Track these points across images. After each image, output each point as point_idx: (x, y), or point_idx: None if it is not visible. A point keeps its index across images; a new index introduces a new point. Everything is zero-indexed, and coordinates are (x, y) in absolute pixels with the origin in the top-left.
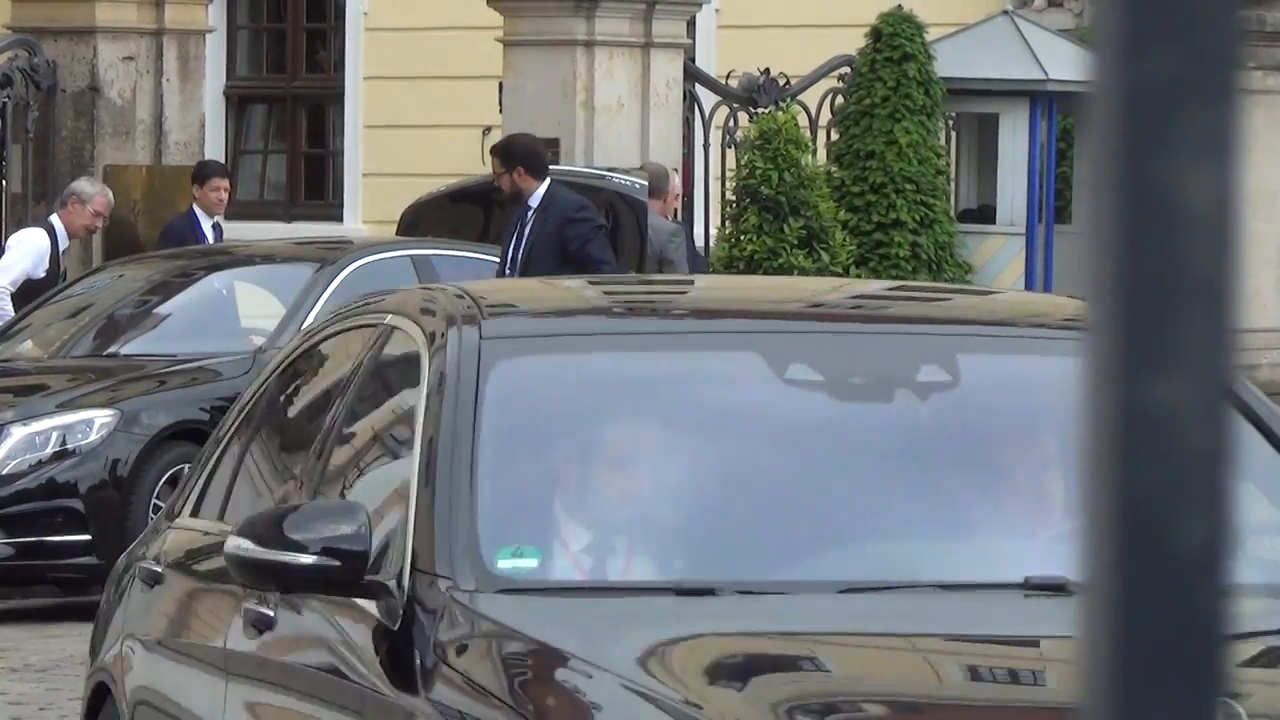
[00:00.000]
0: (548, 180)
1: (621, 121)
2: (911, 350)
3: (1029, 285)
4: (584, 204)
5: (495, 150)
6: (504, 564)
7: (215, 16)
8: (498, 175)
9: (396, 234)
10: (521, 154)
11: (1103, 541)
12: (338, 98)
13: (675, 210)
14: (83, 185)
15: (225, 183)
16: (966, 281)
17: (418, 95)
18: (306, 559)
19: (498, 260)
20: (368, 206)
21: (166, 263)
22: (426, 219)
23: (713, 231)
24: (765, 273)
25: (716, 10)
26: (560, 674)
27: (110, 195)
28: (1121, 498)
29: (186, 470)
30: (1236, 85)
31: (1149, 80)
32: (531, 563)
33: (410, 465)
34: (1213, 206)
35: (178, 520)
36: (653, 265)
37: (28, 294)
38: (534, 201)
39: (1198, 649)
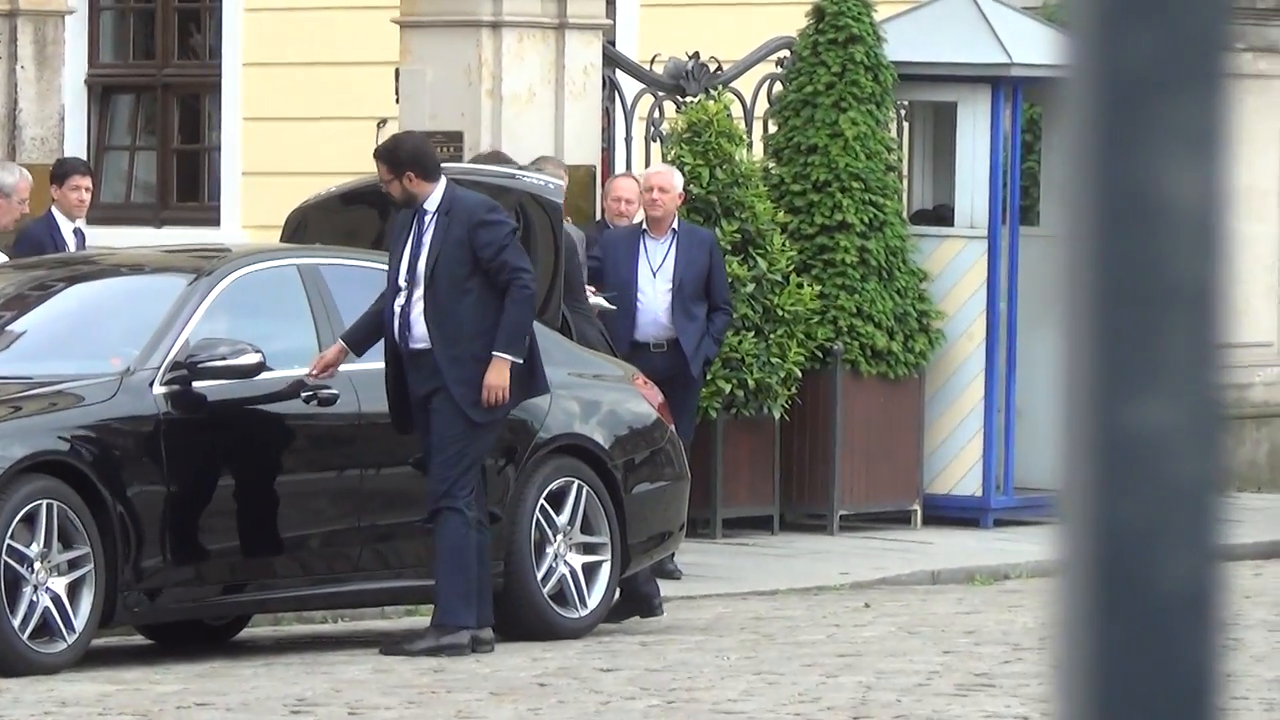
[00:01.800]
0: (443, 180)
1: (533, 112)
2: None
3: (991, 294)
4: (494, 204)
5: (380, 155)
6: None
7: None
8: (386, 182)
9: (281, 240)
10: (410, 157)
11: (1079, 580)
12: (214, 87)
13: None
14: (0, 177)
15: (87, 182)
16: (921, 290)
17: (304, 84)
18: None
19: (385, 268)
20: (248, 209)
21: (20, 273)
22: (315, 223)
23: None
24: None
25: None
26: None
27: (29, 176)
28: (1099, 531)
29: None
30: (1223, 69)
31: (1127, 64)
32: None
33: None
34: (1198, 205)
35: None
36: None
37: None
38: (430, 205)
39: (1185, 699)
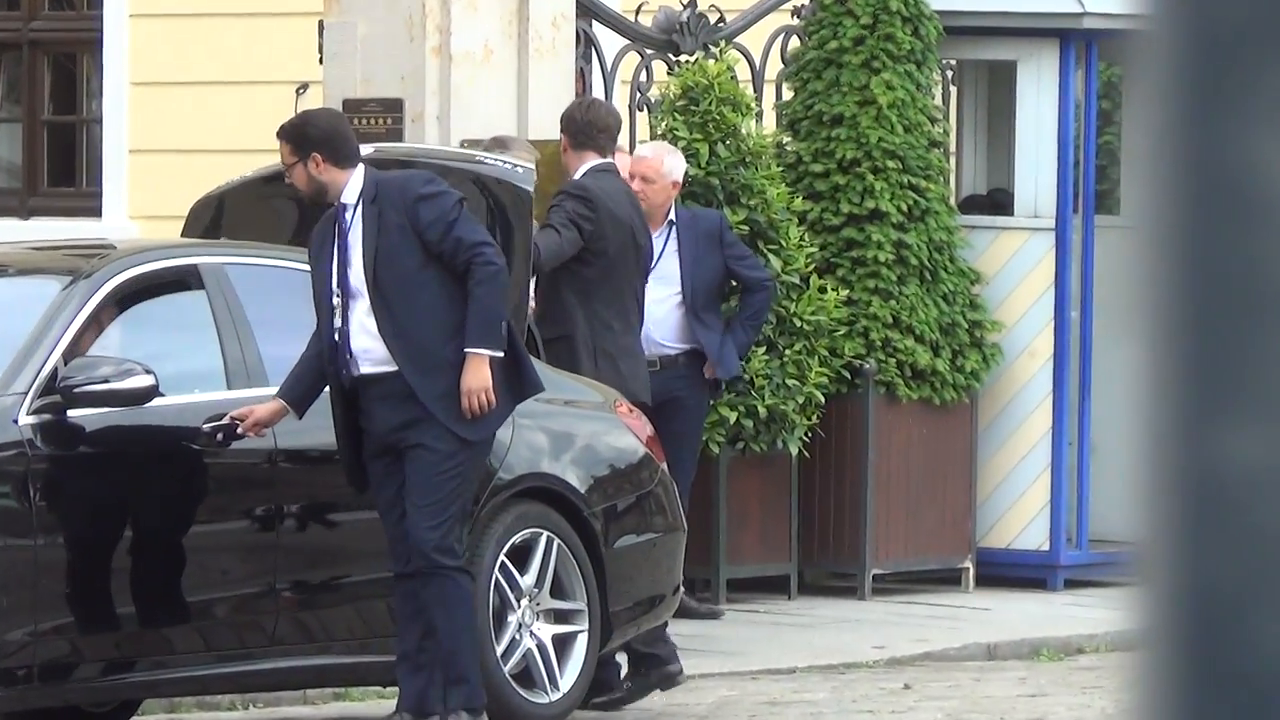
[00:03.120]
0: (360, 167)
1: (489, 75)
2: None
3: (1059, 300)
4: (429, 176)
5: (284, 131)
6: None
7: None
8: (288, 165)
9: (183, 235)
10: (321, 136)
11: (1164, 648)
12: (94, 44)
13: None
14: None
15: None
16: (972, 296)
17: (206, 40)
18: None
19: (308, 268)
20: (137, 195)
21: None
22: (232, 215)
23: None
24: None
25: None
26: None
27: None
28: (1187, 590)
29: None
30: None
31: (1221, 16)
32: None
33: None
34: None
35: None
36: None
37: None
38: (349, 197)
39: None
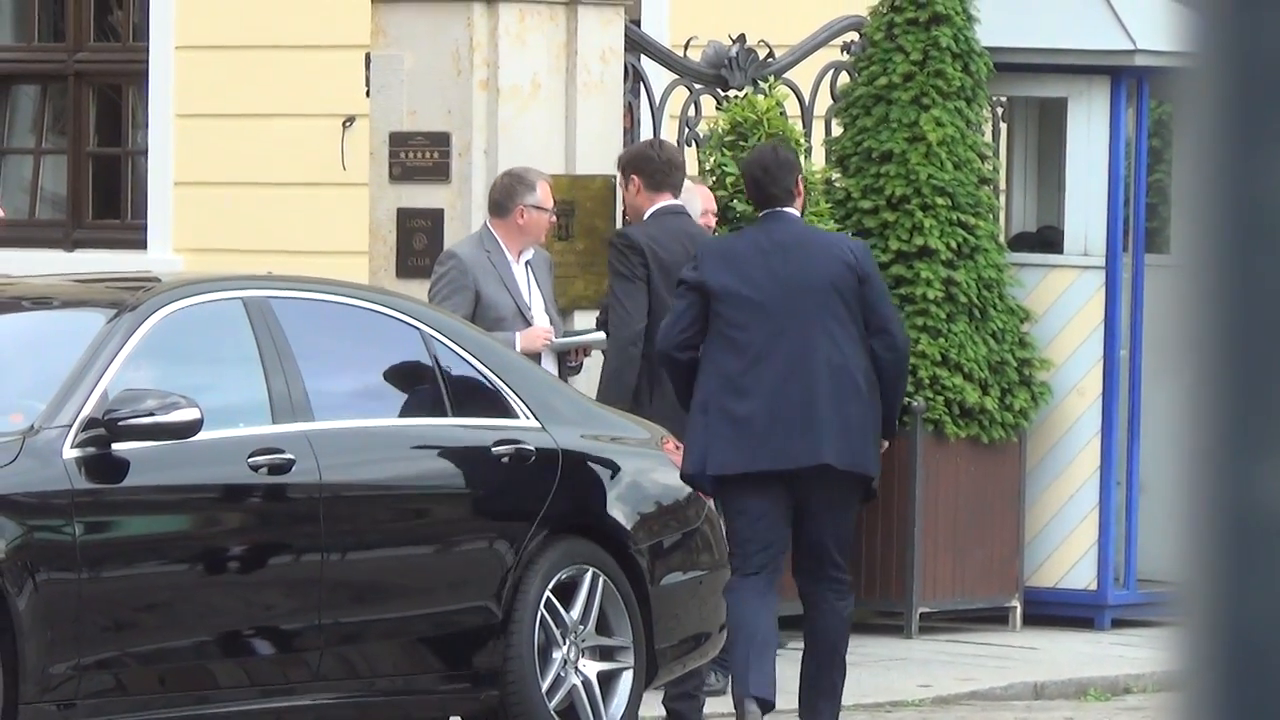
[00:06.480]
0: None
1: (537, 109)
2: None
3: (1109, 339)
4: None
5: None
6: None
7: None
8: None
9: None
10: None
11: (1208, 695)
12: (140, 75)
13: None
14: None
15: None
16: (1021, 334)
17: (251, 72)
18: None
19: (354, 302)
20: (182, 228)
21: None
22: None
23: None
24: None
25: None
26: None
27: None
28: (1228, 631)
29: None
30: None
31: (1267, 51)
32: None
33: None
34: None
35: None
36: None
37: None
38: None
39: None
